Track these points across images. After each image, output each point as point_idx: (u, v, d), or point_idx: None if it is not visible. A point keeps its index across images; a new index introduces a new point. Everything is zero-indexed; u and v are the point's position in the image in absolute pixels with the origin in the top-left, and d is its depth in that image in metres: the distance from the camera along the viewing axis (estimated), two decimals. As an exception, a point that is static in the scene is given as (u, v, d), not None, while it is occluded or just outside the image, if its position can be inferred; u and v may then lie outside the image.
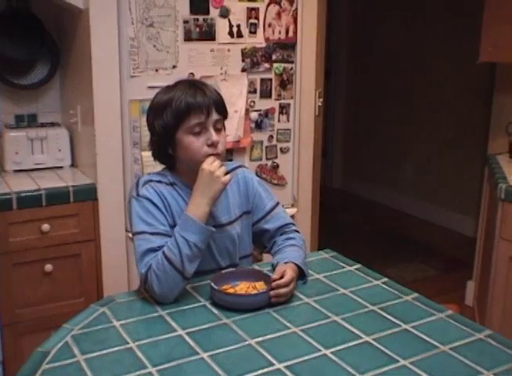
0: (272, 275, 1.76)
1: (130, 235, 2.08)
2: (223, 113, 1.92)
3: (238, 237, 2.00)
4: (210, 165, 1.79)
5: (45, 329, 2.33)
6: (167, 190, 1.88)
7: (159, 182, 1.90)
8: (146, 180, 1.90)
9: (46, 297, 2.69)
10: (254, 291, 1.74)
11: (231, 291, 1.74)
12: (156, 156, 1.96)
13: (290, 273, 1.75)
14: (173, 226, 1.80)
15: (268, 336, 1.53)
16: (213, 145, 1.85)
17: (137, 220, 1.82)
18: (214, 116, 1.86)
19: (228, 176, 1.80)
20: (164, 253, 1.72)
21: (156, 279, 1.70)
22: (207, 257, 1.93)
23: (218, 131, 1.88)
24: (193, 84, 1.89)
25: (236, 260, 2.01)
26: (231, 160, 2.95)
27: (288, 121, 3.14)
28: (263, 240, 2.07)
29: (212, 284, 1.72)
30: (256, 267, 1.98)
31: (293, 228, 2.06)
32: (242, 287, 1.76)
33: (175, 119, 1.83)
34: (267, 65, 3.00)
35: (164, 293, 1.71)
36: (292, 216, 3.17)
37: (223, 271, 1.85)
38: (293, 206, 3.23)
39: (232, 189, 1.99)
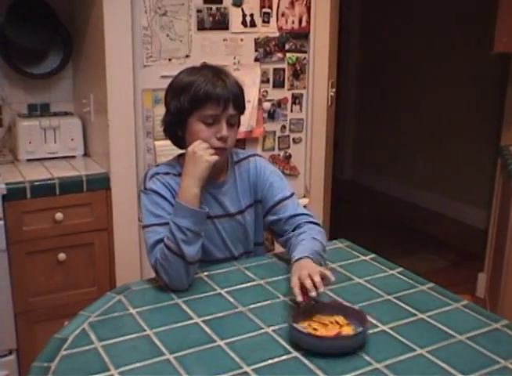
0: (357, 308, 1.55)
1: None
2: (240, 108, 1.90)
3: (249, 226, 1.99)
4: (194, 146, 1.78)
5: (58, 317, 2.35)
6: (175, 181, 1.86)
7: (166, 173, 1.89)
8: (153, 173, 1.90)
9: (59, 285, 2.70)
10: (343, 331, 1.46)
11: (310, 329, 1.46)
12: (167, 133, 1.95)
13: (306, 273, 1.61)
14: None
15: (285, 324, 1.53)
16: (222, 139, 1.84)
17: (146, 213, 1.83)
18: (230, 111, 1.84)
19: (213, 156, 1.78)
20: (164, 242, 1.73)
21: (162, 268, 1.71)
22: (220, 246, 1.95)
23: (230, 125, 1.86)
24: (217, 74, 1.86)
25: (249, 248, 2.02)
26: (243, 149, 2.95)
27: (301, 111, 3.13)
28: (274, 232, 2.02)
29: (294, 325, 1.44)
30: (339, 301, 1.66)
31: (305, 219, 1.95)
32: (323, 324, 1.49)
33: (191, 104, 1.82)
34: (280, 55, 2.99)
35: (173, 281, 1.72)
36: (304, 206, 3.18)
37: (298, 300, 1.56)
38: (305, 196, 3.22)
39: (241, 179, 1.99)
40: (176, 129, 1.89)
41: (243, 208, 1.98)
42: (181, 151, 1.96)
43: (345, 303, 1.58)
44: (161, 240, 1.75)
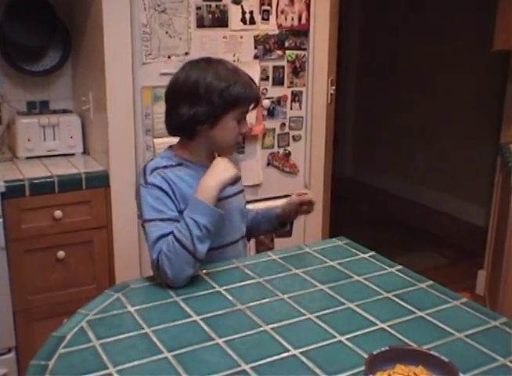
0: (446, 359, 1.32)
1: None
2: None
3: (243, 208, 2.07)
4: (224, 158, 1.85)
5: (58, 315, 2.34)
6: (174, 174, 1.87)
7: (165, 167, 1.88)
8: (153, 167, 1.88)
9: (58, 283, 2.70)
10: None
11: None
12: (182, 126, 1.90)
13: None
14: (182, 211, 1.80)
15: (283, 322, 1.53)
16: (244, 134, 1.95)
17: (147, 208, 1.82)
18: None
19: (238, 172, 1.87)
20: (174, 236, 1.72)
21: (168, 261, 1.70)
22: (234, 225, 1.99)
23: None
24: (245, 74, 1.93)
25: (244, 232, 2.08)
26: (243, 147, 2.95)
27: (300, 108, 3.13)
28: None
29: None
30: (414, 346, 1.45)
31: None
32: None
33: (232, 102, 1.85)
34: (279, 52, 2.99)
35: (176, 275, 1.70)
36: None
37: (375, 352, 1.33)
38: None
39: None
40: (202, 123, 1.86)
41: (240, 189, 2.07)
42: (172, 143, 2.00)
43: (432, 352, 1.36)
44: (165, 235, 1.74)
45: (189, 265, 1.72)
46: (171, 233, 1.74)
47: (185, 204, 1.82)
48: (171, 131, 1.95)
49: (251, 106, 1.93)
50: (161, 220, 1.78)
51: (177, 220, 1.79)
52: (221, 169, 1.81)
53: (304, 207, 2.12)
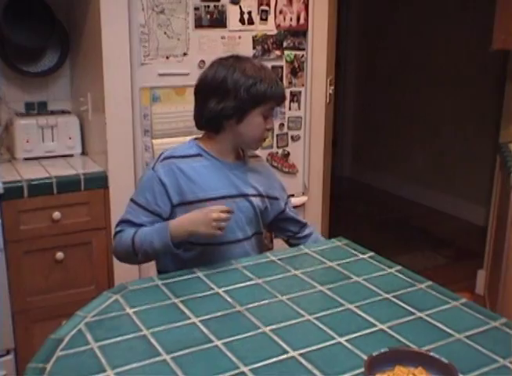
0: (446, 361, 1.30)
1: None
2: None
3: (258, 211, 2.05)
4: (219, 214, 1.80)
5: (56, 317, 2.34)
6: (190, 165, 1.93)
7: (182, 157, 1.94)
8: (168, 156, 1.95)
9: (57, 285, 2.70)
10: None
11: None
12: (210, 121, 1.94)
13: None
14: (185, 202, 1.90)
15: (282, 324, 1.52)
16: (270, 130, 2.00)
17: (139, 190, 1.95)
18: None
19: (218, 232, 1.82)
20: (134, 234, 1.88)
21: (118, 243, 1.93)
22: (238, 225, 1.99)
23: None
24: (271, 72, 2.00)
25: (260, 229, 2.10)
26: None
27: (299, 108, 3.12)
28: (280, 229, 2.22)
29: None
30: (413, 348, 1.43)
31: (304, 221, 2.26)
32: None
33: (259, 98, 1.89)
34: (278, 52, 2.98)
35: (115, 252, 1.98)
36: (303, 204, 3.18)
37: (374, 354, 1.33)
38: (303, 194, 3.22)
39: (256, 170, 2.08)
40: (228, 118, 1.91)
41: (256, 194, 2.04)
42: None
43: (432, 353, 1.36)
44: (134, 224, 1.90)
45: (128, 256, 1.94)
46: (141, 225, 1.90)
47: (194, 193, 1.91)
48: (200, 126, 2.00)
49: (278, 104, 1.99)
50: (143, 208, 1.90)
51: (157, 214, 1.90)
52: (202, 222, 1.81)
53: None
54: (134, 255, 1.90)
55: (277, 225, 2.20)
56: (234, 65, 1.91)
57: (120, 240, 1.92)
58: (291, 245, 2.19)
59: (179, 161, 1.92)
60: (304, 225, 2.22)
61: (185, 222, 1.84)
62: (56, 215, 2.62)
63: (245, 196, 2.00)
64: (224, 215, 1.80)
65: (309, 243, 2.15)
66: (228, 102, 1.89)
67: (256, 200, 2.03)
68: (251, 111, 1.91)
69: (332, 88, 3.23)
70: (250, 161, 2.08)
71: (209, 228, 1.80)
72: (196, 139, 2.03)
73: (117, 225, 1.95)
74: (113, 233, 1.98)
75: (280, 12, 2.94)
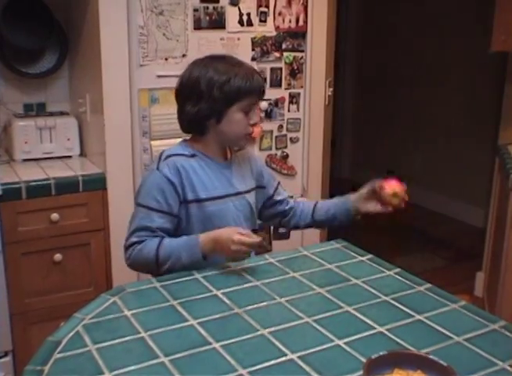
0: (445, 364, 1.29)
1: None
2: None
3: (253, 206, 2.08)
4: (244, 240, 1.79)
5: (55, 318, 2.32)
6: (188, 163, 1.93)
7: (181, 155, 1.94)
8: (169, 154, 1.95)
9: (55, 286, 2.69)
10: None
11: None
12: (191, 124, 1.96)
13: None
14: (188, 200, 1.89)
15: (281, 326, 1.52)
16: (254, 125, 1.98)
17: (146, 193, 1.90)
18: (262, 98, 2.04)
19: (243, 258, 1.86)
20: (157, 249, 1.84)
21: (137, 256, 1.86)
22: (234, 223, 1.98)
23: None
24: (249, 66, 1.98)
25: (256, 225, 2.10)
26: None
27: (298, 110, 3.12)
28: (275, 214, 2.20)
29: None
30: (412, 350, 1.43)
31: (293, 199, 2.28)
32: None
33: (233, 95, 1.88)
34: (277, 54, 2.98)
35: (133, 268, 1.93)
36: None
37: (373, 356, 1.31)
38: (302, 196, 3.21)
39: (244, 164, 2.08)
40: (209, 118, 1.91)
41: (249, 189, 2.06)
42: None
43: (431, 356, 1.34)
44: (150, 229, 1.86)
45: (148, 268, 1.90)
46: (157, 229, 1.86)
47: (194, 192, 1.90)
48: (184, 129, 2.00)
49: (258, 98, 1.96)
50: (155, 211, 1.87)
51: (170, 213, 1.87)
52: (226, 244, 1.79)
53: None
54: (156, 268, 1.86)
55: (268, 212, 2.20)
56: (207, 65, 1.91)
57: (140, 252, 1.86)
58: (283, 226, 2.28)
59: (181, 159, 1.93)
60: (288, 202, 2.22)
61: (216, 244, 1.82)
62: (55, 216, 2.61)
63: (240, 194, 2.02)
64: (250, 242, 1.79)
65: (297, 216, 2.19)
66: (202, 103, 1.89)
67: (250, 196, 2.06)
68: (229, 109, 1.90)
69: (331, 89, 3.23)
70: (237, 156, 2.08)
71: (237, 255, 1.82)
72: (185, 140, 2.04)
73: (131, 235, 1.89)
74: (124, 243, 1.91)
75: (279, 13, 2.94)
